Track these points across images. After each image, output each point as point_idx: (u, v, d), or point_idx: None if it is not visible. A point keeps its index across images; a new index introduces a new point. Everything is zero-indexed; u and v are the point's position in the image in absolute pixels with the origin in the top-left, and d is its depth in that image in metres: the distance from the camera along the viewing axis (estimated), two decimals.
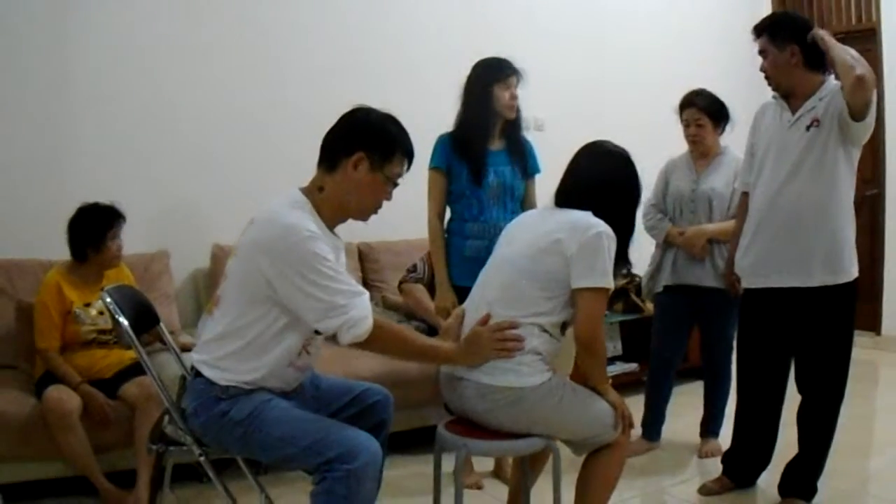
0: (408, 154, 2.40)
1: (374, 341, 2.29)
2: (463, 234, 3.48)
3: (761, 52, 3.15)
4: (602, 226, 2.52)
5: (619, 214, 2.62)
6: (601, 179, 2.66)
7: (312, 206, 2.34)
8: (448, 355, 2.54)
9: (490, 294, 2.60)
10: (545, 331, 2.52)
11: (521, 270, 2.55)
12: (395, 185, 2.41)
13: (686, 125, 3.89)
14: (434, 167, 3.49)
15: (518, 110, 3.48)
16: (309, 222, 2.26)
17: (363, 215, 2.44)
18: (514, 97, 3.43)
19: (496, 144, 3.50)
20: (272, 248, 2.23)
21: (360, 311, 2.25)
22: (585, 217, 2.55)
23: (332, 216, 2.39)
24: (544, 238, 2.54)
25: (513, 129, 3.51)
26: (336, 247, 2.37)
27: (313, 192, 2.37)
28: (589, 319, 2.50)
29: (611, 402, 2.59)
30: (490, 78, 3.40)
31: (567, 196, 2.67)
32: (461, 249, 3.47)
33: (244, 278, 2.30)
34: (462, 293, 3.24)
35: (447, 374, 2.61)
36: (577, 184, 2.68)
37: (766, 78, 3.18)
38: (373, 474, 2.22)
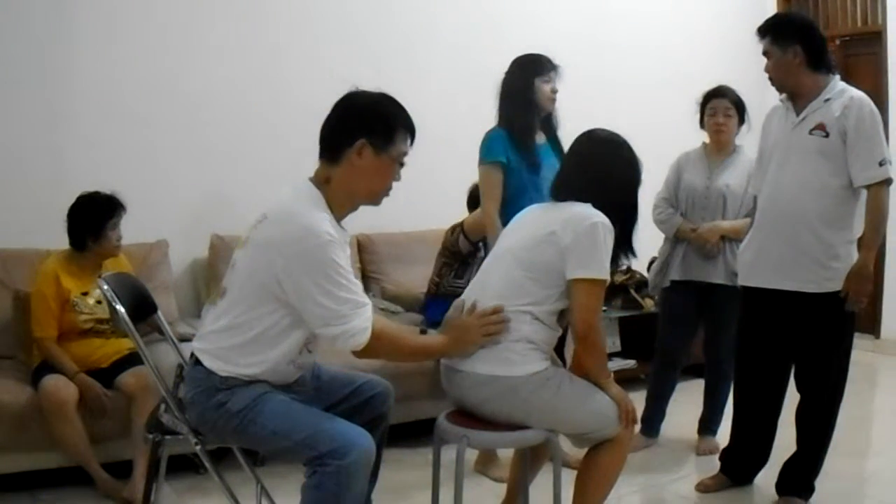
0: (409, 130, 2.36)
1: (370, 350, 2.30)
2: None
3: (765, 54, 3.15)
4: (598, 216, 2.49)
5: (620, 203, 2.60)
6: (598, 169, 2.63)
7: (324, 200, 2.31)
8: (440, 350, 2.55)
9: (488, 285, 2.60)
10: (537, 319, 2.51)
11: (517, 262, 2.54)
12: (402, 164, 2.38)
13: (713, 114, 3.87)
14: (493, 161, 3.45)
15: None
16: (326, 223, 2.23)
17: (374, 199, 2.40)
18: (554, 91, 3.48)
19: (540, 138, 3.53)
20: (288, 249, 2.20)
21: (362, 321, 2.25)
22: (582, 209, 2.53)
23: (341, 207, 2.35)
24: (541, 230, 2.54)
25: (551, 123, 3.55)
26: (344, 242, 2.34)
27: (322, 185, 2.33)
28: (585, 311, 2.48)
29: (613, 396, 2.57)
30: (532, 72, 3.46)
31: (565, 189, 2.65)
32: None
33: (255, 274, 2.28)
34: None
35: (446, 366, 2.61)
36: (574, 175, 2.66)
37: (770, 79, 3.17)
38: (364, 470, 2.21)
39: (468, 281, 4.08)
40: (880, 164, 3.02)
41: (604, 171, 2.63)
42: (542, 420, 2.52)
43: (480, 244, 4.00)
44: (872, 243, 3.09)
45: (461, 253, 4.03)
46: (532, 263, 2.52)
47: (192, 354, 2.40)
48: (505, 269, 2.57)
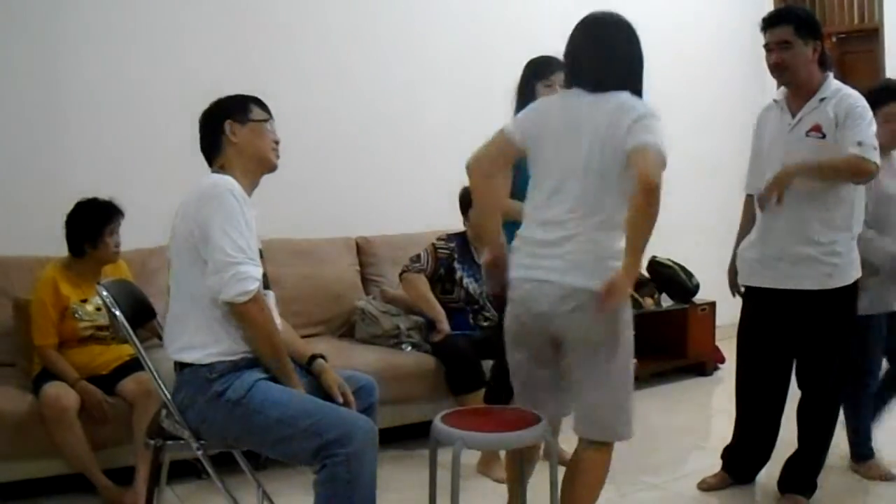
0: (256, 101, 2.61)
1: (251, 310, 2.34)
2: None
3: (782, 43, 3.07)
4: (646, 106, 2.47)
5: (640, 83, 2.60)
6: (627, 54, 2.60)
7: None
8: (291, 374, 2.45)
9: (566, 205, 2.49)
10: (621, 228, 2.43)
11: (598, 176, 2.46)
12: (267, 120, 2.59)
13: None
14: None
15: None
16: (229, 180, 2.41)
17: (268, 162, 2.57)
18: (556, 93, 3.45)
19: None
20: (202, 199, 2.37)
21: (253, 270, 2.34)
22: (627, 99, 2.49)
23: (245, 184, 2.49)
24: (606, 137, 2.44)
25: None
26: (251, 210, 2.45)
27: (221, 171, 2.52)
28: (654, 167, 2.34)
29: (630, 269, 2.38)
30: (532, 76, 3.48)
31: (603, 78, 2.54)
32: None
33: (184, 248, 2.40)
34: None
35: (524, 279, 2.53)
36: (608, 62, 2.56)
37: (779, 69, 3.10)
38: (371, 453, 2.28)
39: (458, 295, 4.14)
40: (859, 144, 2.97)
41: (629, 54, 2.60)
42: (606, 342, 2.48)
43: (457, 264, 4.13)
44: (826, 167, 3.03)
45: (439, 274, 4.12)
46: (608, 172, 2.44)
47: (175, 363, 2.45)
48: (584, 189, 2.47)
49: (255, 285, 2.33)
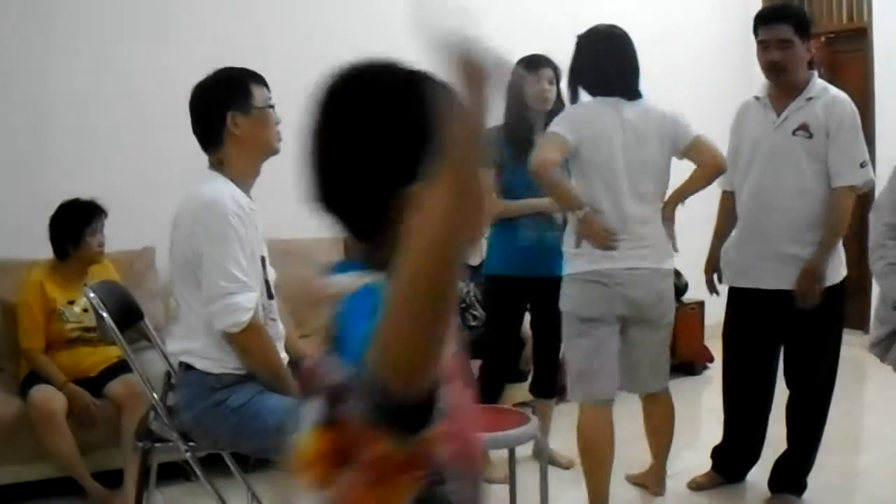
0: (256, 79, 2.46)
1: (245, 339, 2.29)
2: (516, 225, 3.45)
3: (783, 42, 3.01)
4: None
5: None
6: (638, 64, 3.02)
7: (226, 178, 2.39)
8: (290, 384, 2.41)
9: (642, 199, 2.96)
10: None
11: (662, 172, 3.00)
12: (272, 107, 2.46)
13: None
14: None
15: (562, 102, 3.52)
16: (228, 197, 2.31)
17: (272, 149, 2.46)
18: (544, 90, 3.49)
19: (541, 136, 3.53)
20: (196, 220, 2.30)
21: (246, 300, 2.28)
22: (660, 104, 2.99)
23: (245, 178, 2.43)
24: (663, 136, 2.94)
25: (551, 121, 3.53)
26: (254, 214, 2.40)
27: (219, 168, 2.42)
28: (719, 151, 2.97)
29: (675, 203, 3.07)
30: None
31: (634, 87, 2.98)
32: (514, 240, 3.45)
33: (184, 268, 2.35)
34: (514, 284, 3.29)
35: (619, 268, 2.90)
36: (634, 73, 3.00)
37: (777, 68, 3.04)
38: None
39: None
40: (861, 166, 3.01)
41: (636, 62, 3.01)
42: (670, 319, 3.11)
43: None
44: (830, 244, 3.07)
45: None
46: (667, 166, 2.99)
47: (181, 363, 2.41)
48: (654, 183, 2.99)
49: (247, 316, 2.27)
